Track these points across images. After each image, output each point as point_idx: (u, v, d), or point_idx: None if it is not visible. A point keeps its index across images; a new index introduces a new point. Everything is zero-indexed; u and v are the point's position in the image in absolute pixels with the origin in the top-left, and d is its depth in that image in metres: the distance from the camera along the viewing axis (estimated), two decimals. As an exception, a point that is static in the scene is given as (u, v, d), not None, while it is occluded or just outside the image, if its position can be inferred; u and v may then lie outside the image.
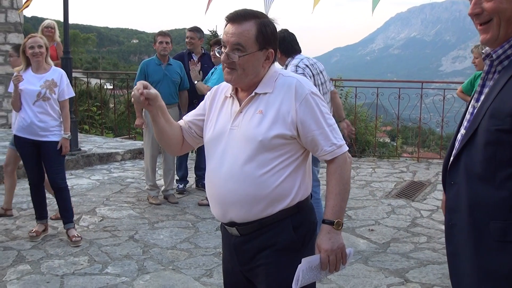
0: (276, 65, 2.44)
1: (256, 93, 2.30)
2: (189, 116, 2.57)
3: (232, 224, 2.33)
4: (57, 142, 5.13)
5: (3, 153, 8.58)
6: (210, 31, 26.28)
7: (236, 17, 2.25)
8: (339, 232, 2.26)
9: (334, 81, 11.13)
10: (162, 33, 6.82)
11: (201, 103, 2.56)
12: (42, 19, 8.01)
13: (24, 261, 4.71)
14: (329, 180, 2.32)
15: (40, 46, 5.04)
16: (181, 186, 7.27)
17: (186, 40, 7.21)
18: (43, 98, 5.04)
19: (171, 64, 6.75)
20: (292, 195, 2.28)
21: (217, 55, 2.32)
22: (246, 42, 2.22)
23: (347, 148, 2.33)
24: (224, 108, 2.41)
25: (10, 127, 11.47)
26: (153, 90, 2.25)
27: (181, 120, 2.58)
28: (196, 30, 7.22)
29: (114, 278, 4.37)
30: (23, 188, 7.11)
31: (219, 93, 2.49)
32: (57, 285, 4.22)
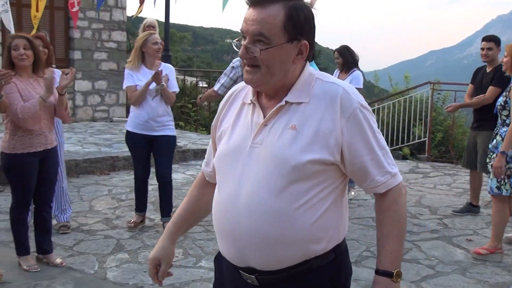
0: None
1: (287, 102, 1.78)
2: (211, 157, 2.11)
3: (251, 271, 1.81)
4: (170, 136, 5.33)
5: (105, 145, 9.01)
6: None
7: None
8: (398, 286, 1.81)
9: (432, 84, 10.82)
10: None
11: (214, 120, 2.04)
12: (142, 18, 8.34)
13: (123, 250, 4.90)
14: (382, 219, 1.83)
15: (160, 43, 5.28)
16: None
17: None
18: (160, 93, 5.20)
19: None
20: (329, 235, 1.80)
21: (235, 48, 1.85)
22: (271, 31, 1.70)
23: (401, 178, 1.87)
24: (242, 117, 1.88)
25: (112, 121, 12.04)
26: (162, 269, 2.04)
27: (204, 167, 2.17)
28: None
29: (207, 272, 4.45)
30: (122, 179, 7.43)
31: (236, 98, 1.96)
32: (153, 275, 4.36)
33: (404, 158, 10.91)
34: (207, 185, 2.13)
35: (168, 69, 5.38)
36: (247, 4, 1.76)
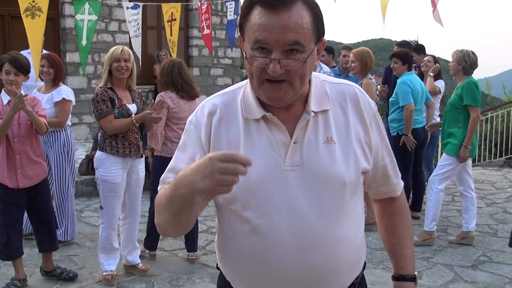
0: None
1: (314, 112, 1.54)
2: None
3: None
4: None
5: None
6: (413, 41, 25.81)
7: None
8: None
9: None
10: (346, 47, 7.28)
11: (186, 147, 1.62)
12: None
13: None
14: (397, 223, 1.78)
15: None
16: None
17: None
18: None
19: (350, 76, 6.88)
20: (365, 247, 1.73)
21: (252, 65, 1.45)
22: (306, 36, 1.43)
23: None
24: (255, 137, 1.53)
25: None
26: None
27: None
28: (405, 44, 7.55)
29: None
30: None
31: (227, 115, 1.58)
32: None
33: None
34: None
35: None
36: (260, 5, 1.43)
